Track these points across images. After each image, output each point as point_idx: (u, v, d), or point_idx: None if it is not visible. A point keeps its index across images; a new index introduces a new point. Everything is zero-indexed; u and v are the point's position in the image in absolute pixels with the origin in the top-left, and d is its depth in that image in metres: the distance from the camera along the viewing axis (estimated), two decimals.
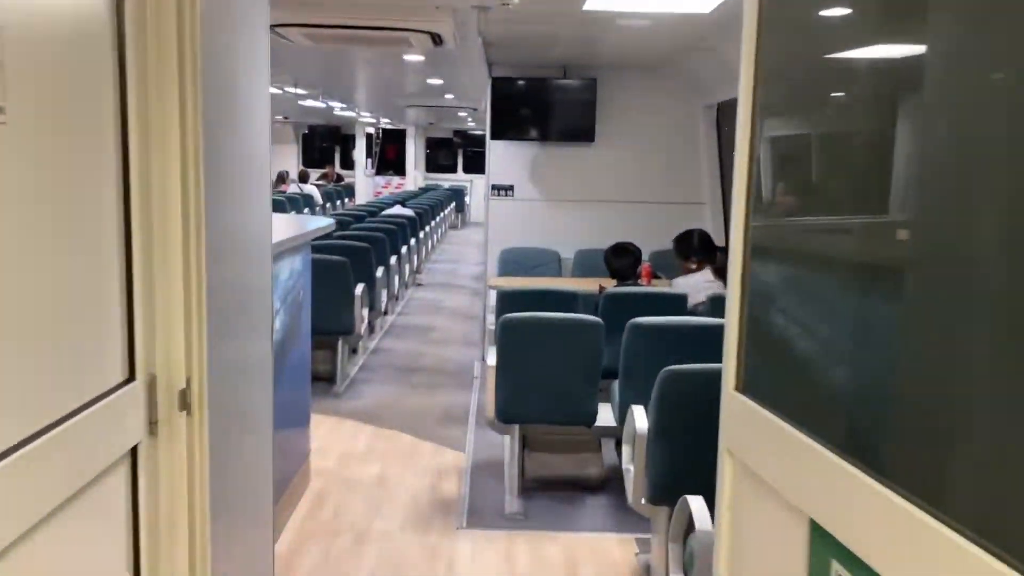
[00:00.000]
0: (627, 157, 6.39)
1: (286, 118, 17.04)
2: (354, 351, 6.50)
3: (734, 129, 1.64)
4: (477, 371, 6.20)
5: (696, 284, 4.61)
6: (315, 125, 20.21)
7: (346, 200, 16.36)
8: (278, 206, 11.49)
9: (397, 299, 8.91)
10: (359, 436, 4.77)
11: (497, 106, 6.37)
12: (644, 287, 4.62)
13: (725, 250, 5.16)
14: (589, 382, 3.78)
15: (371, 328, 7.23)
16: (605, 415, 3.87)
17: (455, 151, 20.99)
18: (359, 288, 5.68)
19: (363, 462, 4.35)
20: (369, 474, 4.18)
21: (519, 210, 6.44)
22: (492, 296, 5.67)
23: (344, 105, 12.61)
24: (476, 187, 19.36)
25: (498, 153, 6.45)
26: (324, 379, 5.73)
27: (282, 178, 14.97)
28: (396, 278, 7.67)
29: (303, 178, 14.16)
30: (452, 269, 12.03)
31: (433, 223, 12.51)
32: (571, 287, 4.75)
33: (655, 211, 6.39)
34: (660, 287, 4.94)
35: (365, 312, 6.05)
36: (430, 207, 12.42)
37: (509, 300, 4.51)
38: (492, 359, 3.83)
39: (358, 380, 5.93)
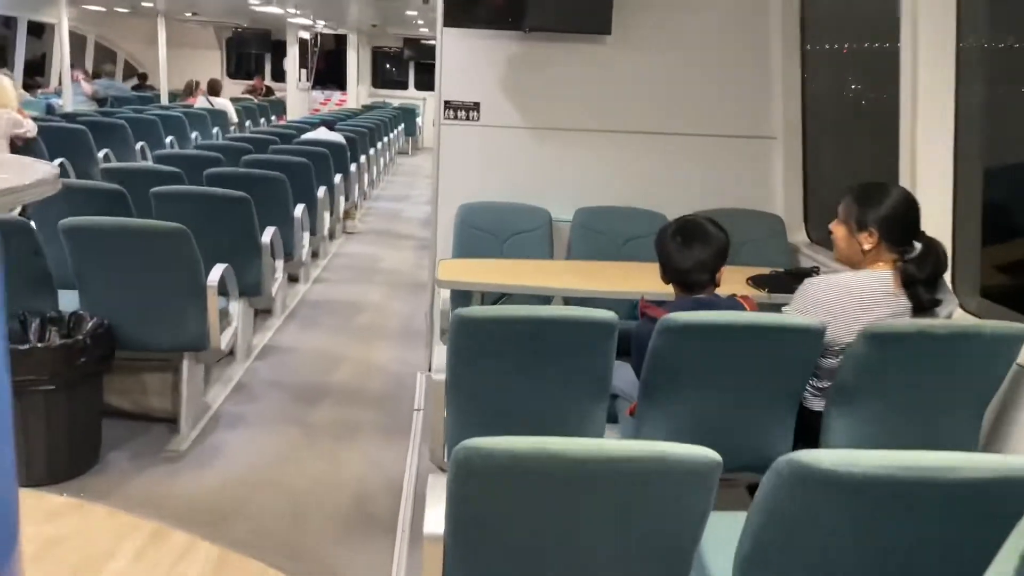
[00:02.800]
0: (659, 62, 4.07)
1: (195, 14, 14.16)
2: (227, 353, 4.19)
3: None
4: (419, 397, 3.96)
5: (855, 294, 2.35)
6: (241, 28, 17.26)
7: (273, 118, 13.72)
8: (171, 124, 8.90)
9: (317, 256, 6.58)
10: None
11: None
12: (735, 312, 2.36)
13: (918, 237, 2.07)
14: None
15: (267, 312, 4.92)
16: None
17: (406, 65, 18.25)
18: (216, 272, 3.35)
19: None
20: None
21: (488, 143, 4.10)
22: (442, 296, 3.41)
23: None
24: (429, 107, 16.76)
25: (455, 51, 4.06)
26: (163, 421, 3.45)
27: (190, 89, 12.28)
28: (305, 236, 5.32)
29: (214, 90, 11.50)
30: (397, 210, 9.64)
31: (373, 151, 10.05)
32: (591, 303, 2.50)
33: (699, 148, 4.12)
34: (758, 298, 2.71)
35: (236, 307, 3.73)
36: (370, 130, 9.93)
37: (474, 339, 2.24)
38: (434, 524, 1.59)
39: (222, 417, 3.64)
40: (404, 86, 18.20)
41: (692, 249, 2.42)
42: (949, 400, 2.36)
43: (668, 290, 3.06)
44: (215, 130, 10.42)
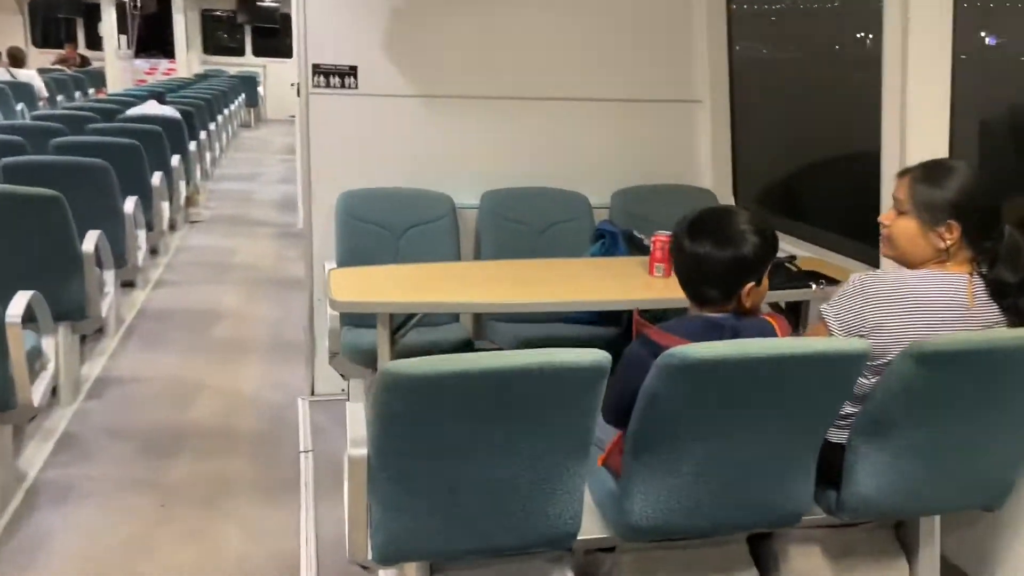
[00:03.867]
0: (569, 14, 3.45)
1: None
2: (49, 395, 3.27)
3: None
4: (304, 434, 3.21)
5: (928, 302, 1.81)
6: None
7: (91, 91, 12.14)
8: None
9: (156, 253, 5.59)
10: None
11: None
12: (759, 342, 1.77)
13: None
14: None
15: (100, 330, 3.98)
16: None
17: (240, 29, 16.75)
18: (18, 303, 2.47)
19: None
20: None
21: (371, 116, 3.35)
22: (325, 310, 2.70)
23: None
24: (272, 75, 15.50)
25: (323, 1, 3.27)
26: None
27: None
28: (141, 235, 4.37)
29: (16, 60, 9.91)
30: (247, 191, 8.59)
31: (214, 125, 8.93)
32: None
33: (619, 115, 3.55)
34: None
35: (52, 341, 2.84)
36: (208, 102, 8.80)
37: (411, 404, 1.56)
38: None
39: (44, 489, 2.75)
40: (240, 52, 16.77)
41: (696, 249, 1.82)
42: (1006, 430, 1.90)
43: (648, 294, 2.50)
44: (19, 107, 8.96)
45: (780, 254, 2.94)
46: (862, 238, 2.85)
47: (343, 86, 3.29)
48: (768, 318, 1.84)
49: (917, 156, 2.38)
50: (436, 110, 3.36)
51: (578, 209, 3.38)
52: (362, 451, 1.70)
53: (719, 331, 1.78)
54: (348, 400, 3.36)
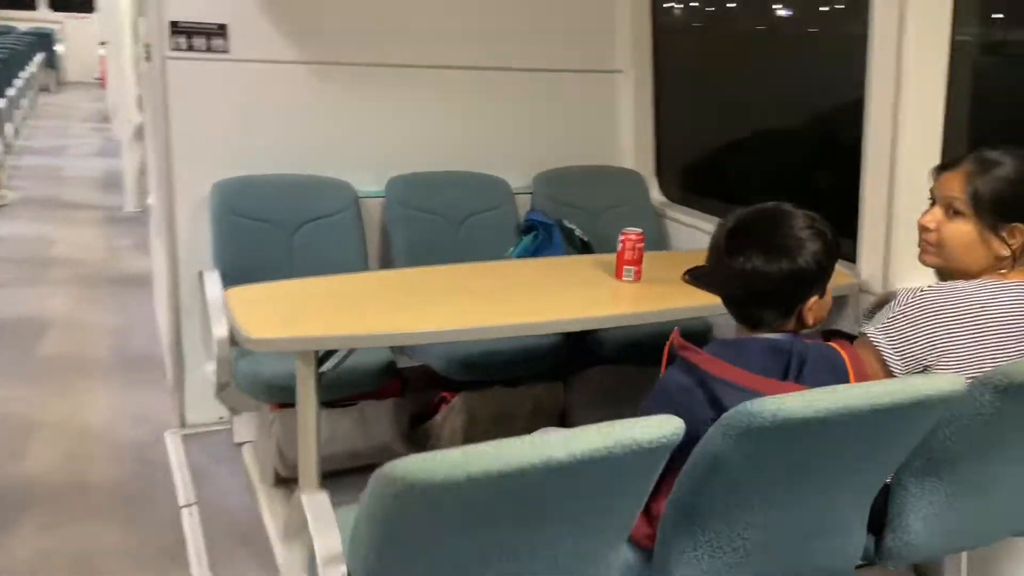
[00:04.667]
0: None
1: None
2: None
3: None
4: (182, 481, 2.60)
5: (999, 319, 1.54)
6: None
7: None
8: None
9: None
10: None
11: None
12: (846, 392, 1.41)
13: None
14: None
15: None
16: None
17: None
18: None
19: None
20: None
21: (247, 86, 2.72)
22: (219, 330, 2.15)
23: None
24: (72, 32, 13.77)
25: None
26: None
27: None
28: None
29: None
30: (55, 167, 7.44)
31: (13, 91, 7.67)
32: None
33: (535, 88, 3.13)
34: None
35: None
36: (4, 62, 7.53)
37: (425, 514, 1.09)
38: None
39: None
40: (31, 5, 14.78)
41: (741, 264, 1.44)
42: None
43: (626, 308, 2.12)
44: None
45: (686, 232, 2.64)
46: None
47: (209, 49, 2.65)
48: (835, 346, 1.50)
49: (910, 148, 2.15)
50: (328, 80, 2.78)
51: (499, 195, 2.95)
52: (340, 570, 1.22)
53: (785, 358, 1.43)
54: (232, 431, 2.79)
